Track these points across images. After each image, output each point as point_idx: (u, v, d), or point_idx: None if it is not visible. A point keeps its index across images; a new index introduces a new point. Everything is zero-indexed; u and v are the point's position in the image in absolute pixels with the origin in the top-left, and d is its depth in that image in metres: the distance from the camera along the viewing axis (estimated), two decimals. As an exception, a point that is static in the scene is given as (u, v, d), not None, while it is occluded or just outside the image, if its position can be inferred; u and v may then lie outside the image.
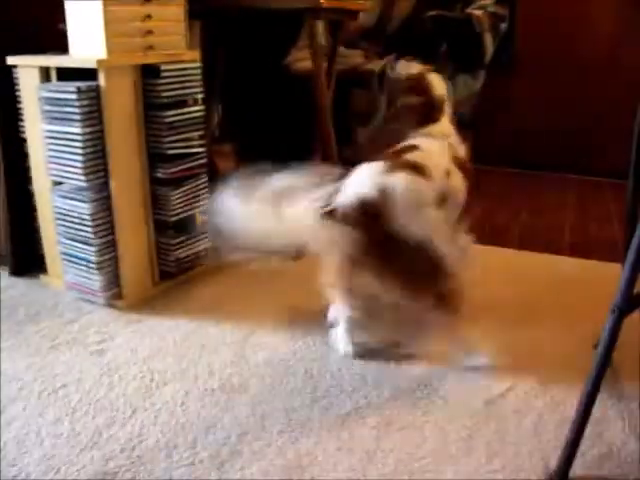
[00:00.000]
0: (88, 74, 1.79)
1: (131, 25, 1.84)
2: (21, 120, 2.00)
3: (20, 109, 1.99)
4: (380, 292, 1.55)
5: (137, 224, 1.94)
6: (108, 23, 1.77)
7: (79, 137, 1.77)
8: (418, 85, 1.83)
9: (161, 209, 1.99)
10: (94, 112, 1.79)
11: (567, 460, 1.22)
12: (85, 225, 1.84)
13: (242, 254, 1.71)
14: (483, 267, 2.27)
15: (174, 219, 2.00)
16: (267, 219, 1.50)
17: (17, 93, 1.98)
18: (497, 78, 3.21)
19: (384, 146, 1.70)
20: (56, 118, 1.81)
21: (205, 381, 1.54)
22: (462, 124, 2.81)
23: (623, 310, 1.06)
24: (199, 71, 2.03)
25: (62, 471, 1.23)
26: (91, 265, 1.87)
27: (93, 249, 1.85)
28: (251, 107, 3.41)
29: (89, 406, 1.44)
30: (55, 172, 1.88)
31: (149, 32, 1.88)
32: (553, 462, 1.24)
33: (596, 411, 1.36)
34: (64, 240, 1.92)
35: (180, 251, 2.05)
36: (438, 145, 1.69)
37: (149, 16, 1.88)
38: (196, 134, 2.05)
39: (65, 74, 1.87)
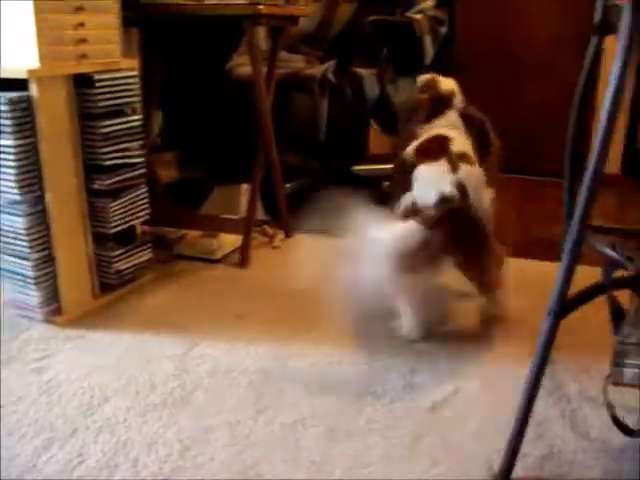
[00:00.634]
0: (19, 84, 1.74)
1: (63, 33, 1.79)
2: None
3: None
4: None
5: (75, 237, 1.90)
6: (40, 32, 1.72)
7: (11, 149, 1.72)
8: (427, 85, 2.02)
9: (100, 221, 1.95)
10: (27, 123, 1.74)
11: (509, 462, 1.23)
12: (20, 239, 1.79)
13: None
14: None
15: (113, 231, 1.96)
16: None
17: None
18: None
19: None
20: (-13, 130, 1.76)
21: (147, 396, 1.51)
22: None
23: (558, 313, 1.07)
24: (136, 79, 1.99)
25: (-3, 497, 1.20)
26: (28, 280, 1.83)
27: (30, 264, 1.80)
28: (193, 114, 3.37)
29: (28, 427, 1.40)
30: (-12, 186, 1.82)
31: (82, 40, 1.84)
32: (497, 464, 1.26)
33: (538, 412, 1.39)
34: (0, 255, 1.87)
35: (120, 263, 2.01)
36: (457, 133, 1.86)
37: (82, 24, 1.83)
38: (135, 144, 2.01)
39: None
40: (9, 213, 1.79)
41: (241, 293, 2.08)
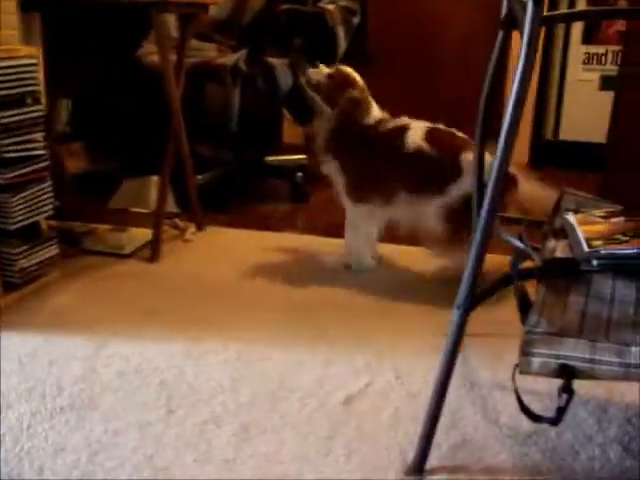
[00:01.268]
0: None
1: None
2: None
3: None
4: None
5: (-27, 234, 1.81)
6: None
7: None
8: (342, 81, 2.11)
9: (1, 217, 1.86)
10: None
11: (423, 453, 1.24)
12: None
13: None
14: (325, 259, 2.32)
15: (16, 227, 1.88)
16: None
17: None
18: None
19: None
20: None
21: (54, 399, 1.45)
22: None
23: (467, 308, 1.09)
24: (37, 67, 1.91)
25: None
26: None
27: None
28: (103, 102, 3.27)
29: None
30: None
31: (-24, 27, 1.75)
32: (411, 455, 1.27)
33: (451, 400, 1.41)
34: None
35: (25, 260, 1.93)
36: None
37: (-24, 10, 1.74)
38: (38, 135, 1.93)
39: None
40: None
41: (152, 289, 2.03)
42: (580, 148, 3.81)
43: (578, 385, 1.02)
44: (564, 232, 1.38)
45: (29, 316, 1.84)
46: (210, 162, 2.89)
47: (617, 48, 3.73)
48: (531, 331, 1.06)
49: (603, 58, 3.80)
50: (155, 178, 2.65)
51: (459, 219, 1.93)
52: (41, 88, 1.96)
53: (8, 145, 1.82)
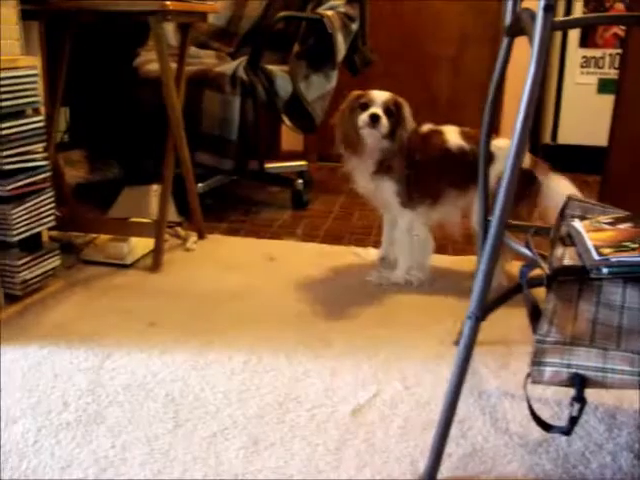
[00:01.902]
0: None
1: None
2: None
3: None
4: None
5: (-25, 247, 1.79)
6: None
7: None
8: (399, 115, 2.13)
9: (2, 229, 1.84)
10: None
11: (434, 463, 1.23)
12: None
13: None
14: (328, 267, 2.31)
15: (17, 238, 1.86)
16: None
17: None
18: (351, 78, 3.25)
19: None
20: None
21: (59, 414, 1.43)
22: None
23: (478, 317, 1.08)
24: (37, 78, 1.90)
25: None
26: None
27: None
28: (102, 111, 3.27)
29: None
30: None
31: (-24, 38, 1.74)
32: (422, 466, 1.26)
33: (460, 409, 1.40)
34: None
35: (26, 272, 1.91)
36: None
37: (-25, 20, 1.73)
38: (38, 146, 1.92)
39: None
40: None
41: (154, 299, 2.02)
42: (578, 151, 3.81)
43: (587, 392, 1.01)
44: (571, 239, 1.37)
45: (31, 329, 1.83)
46: (210, 170, 2.88)
47: (614, 51, 3.74)
48: (542, 340, 1.05)
49: (601, 61, 3.80)
50: (155, 187, 2.64)
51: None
52: (41, 99, 1.94)
53: (8, 157, 1.81)
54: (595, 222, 1.44)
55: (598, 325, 1.10)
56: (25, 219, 1.88)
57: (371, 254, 2.44)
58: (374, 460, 1.30)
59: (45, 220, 1.97)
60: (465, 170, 2.06)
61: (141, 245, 2.34)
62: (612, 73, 3.73)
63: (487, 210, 1.58)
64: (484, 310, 1.10)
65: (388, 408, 1.47)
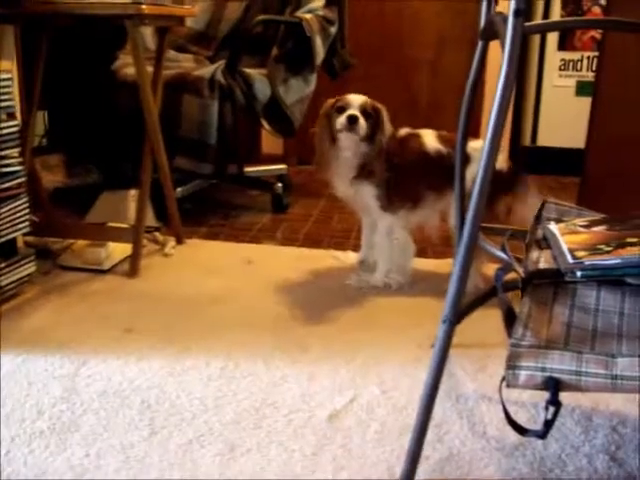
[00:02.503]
0: None
1: None
2: None
3: None
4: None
5: (-52, 253, 1.77)
6: None
7: None
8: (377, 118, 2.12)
9: (-24, 235, 1.83)
10: None
11: (411, 467, 1.22)
12: None
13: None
14: (307, 270, 2.31)
15: (-9, 245, 1.85)
16: None
17: None
18: (330, 81, 3.25)
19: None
20: None
21: (33, 422, 1.41)
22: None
23: (452, 321, 1.08)
24: (11, 82, 1.88)
25: None
26: None
27: None
28: (80, 115, 3.24)
29: None
30: None
31: (-52, 42, 1.72)
32: (398, 470, 1.25)
33: (437, 413, 1.40)
34: None
35: (1, 278, 1.90)
36: None
37: (-53, 25, 1.71)
38: (13, 151, 1.90)
39: None
40: None
41: (131, 305, 2.00)
42: (558, 154, 3.84)
43: (563, 394, 1.01)
44: (547, 242, 1.38)
45: (6, 335, 1.80)
46: (189, 174, 2.86)
47: (592, 54, 3.76)
48: (517, 344, 1.05)
49: (579, 64, 3.83)
50: (133, 191, 2.62)
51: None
52: (16, 103, 1.93)
53: (-18, 162, 1.79)
54: (570, 225, 1.44)
55: (573, 328, 1.11)
56: (-1, 225, 1.87)
57: (350, 257, 2.44)
58: (351, 465, 1.29)
59: (20, 226, 1.95)
60: (442, 173, 2.06)
61: (119, 250, 2.33)
62: (590, 76, 3.75)
63: (463, 212, 1.58)
64: (459, 314, 1.09)
65: (365, 413, 1.47)
